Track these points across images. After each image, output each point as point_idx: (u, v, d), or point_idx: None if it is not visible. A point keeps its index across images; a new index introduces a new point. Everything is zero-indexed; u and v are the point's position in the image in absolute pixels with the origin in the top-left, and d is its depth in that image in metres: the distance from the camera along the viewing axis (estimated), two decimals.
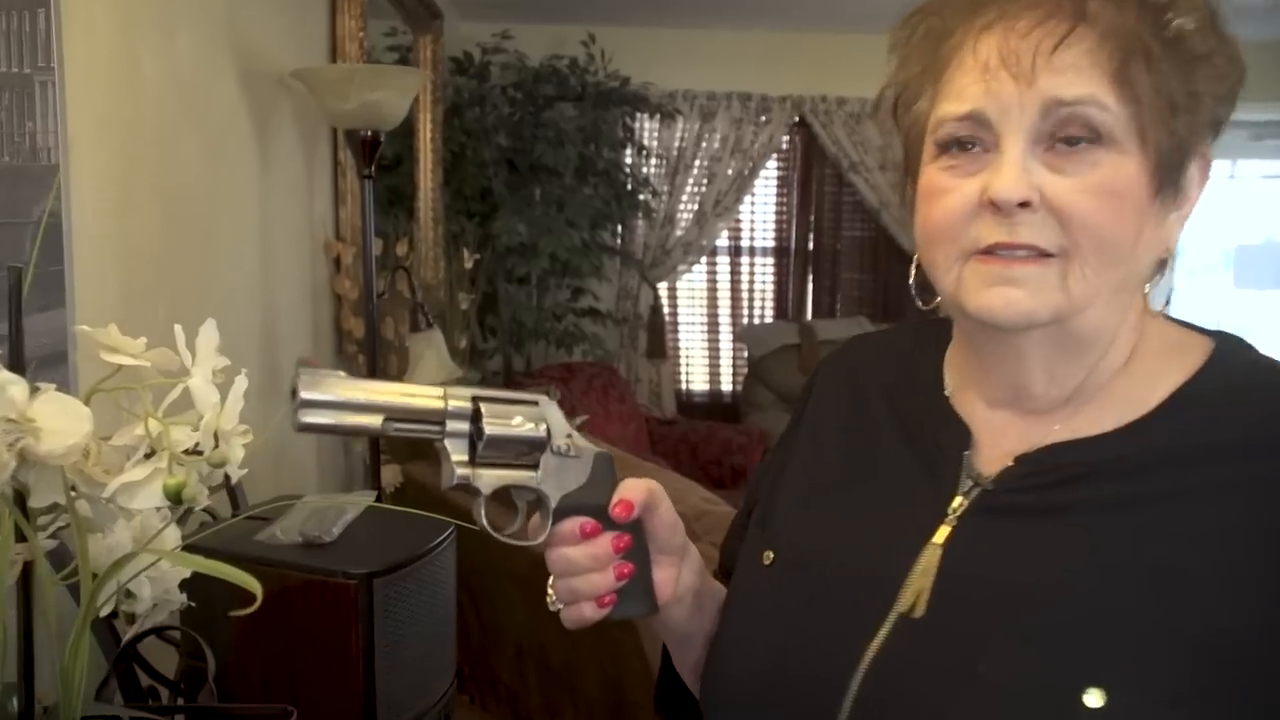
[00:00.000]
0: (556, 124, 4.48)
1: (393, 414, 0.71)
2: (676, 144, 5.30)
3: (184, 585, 1.47)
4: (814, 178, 5.53)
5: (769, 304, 5.62)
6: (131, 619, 1.19)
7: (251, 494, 1.70)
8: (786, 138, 5.46)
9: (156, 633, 1.24)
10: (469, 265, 3.67)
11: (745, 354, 5.46)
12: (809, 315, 5.61)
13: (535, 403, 0.78)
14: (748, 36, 5.19)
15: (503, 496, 0.77)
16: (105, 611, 1.01)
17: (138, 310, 1.64)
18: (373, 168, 2.41)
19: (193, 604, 1.38)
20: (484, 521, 0.76)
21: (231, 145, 2.16)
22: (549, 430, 0.77)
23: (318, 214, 2.72)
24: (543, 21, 4.79)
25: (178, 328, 0.85)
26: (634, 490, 0.76)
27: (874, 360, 0.86)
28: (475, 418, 0.74)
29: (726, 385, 5.62)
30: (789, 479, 0.85)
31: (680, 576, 0.80)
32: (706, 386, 5.63)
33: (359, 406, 0.69)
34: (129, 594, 1.13)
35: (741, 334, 5.48)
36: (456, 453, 0.74)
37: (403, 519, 1.59)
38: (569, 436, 0.78)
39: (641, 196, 4.99)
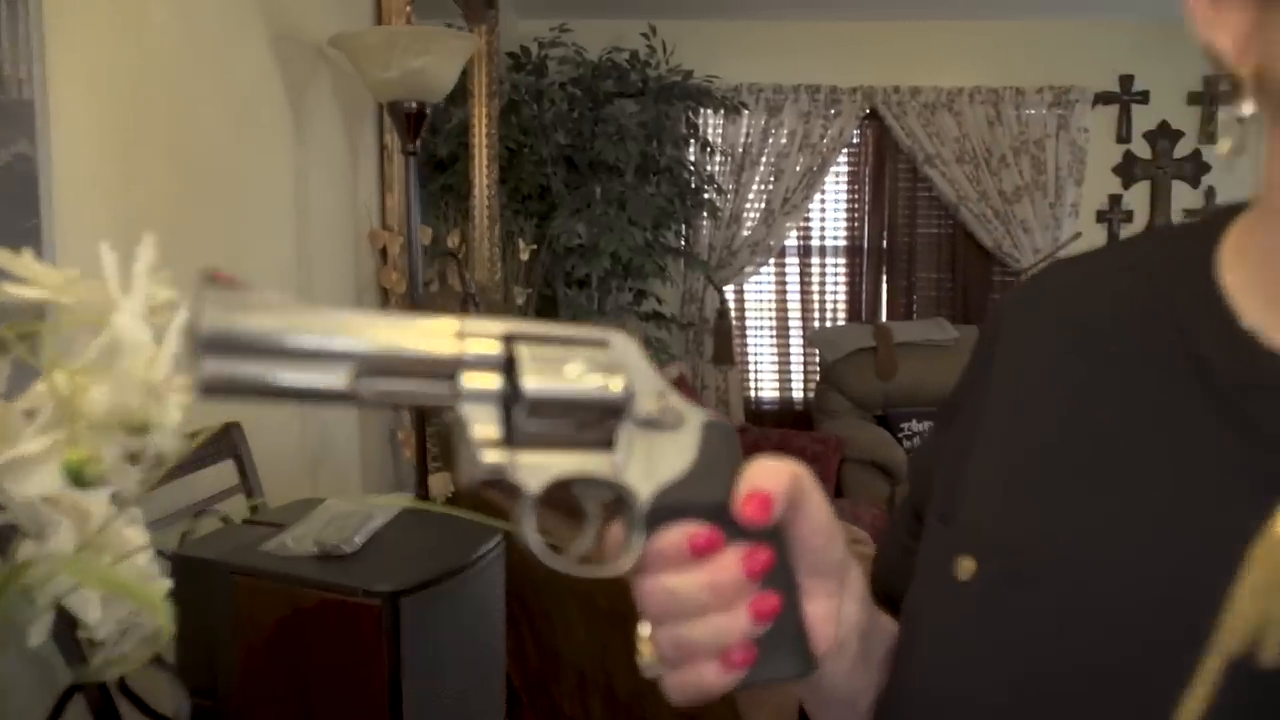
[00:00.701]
0: (617, 120, 4.28)
1: (368, 363, 0.44)
2: (742, 140, 5.06)
3: (183, 604, 1.25)
4: (887, 172, 5.24)
5: (841, 306, 5.34)
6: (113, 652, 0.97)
7: (284, 503, 1.49)
8: (857, 131, 5.18)
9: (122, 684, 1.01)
10: (525, 257, 3.46)
11: (816, 359, 5.18)
12: (883, 317, 5.31)
13: (605, 343, 0.51)
14: (815, 26, 4.96)
15: (560, 495, 0.50)
16: (35, 640, 0.79)
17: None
18: (417, 143, 2.20)
19: (181, 629, 1.16)
20: (533, 536, 0.48)
21: (263, 117, 1.97)
22: (629, 386, 0.50)
23: (361, 200, 2.53)
24: (601, 16, 4.61)
25: (103, 247, 0.63)
26: (772, 477, 0.50)
27: (1099, 288, 0.60)
28: (509, 367, 0.48)
29: (798, 392, 5.35)
30: (981, 458, 0.59)
31: (843, 611, 0.53)
32: (776, 393, 5.36)
33: (308, 353, 0.43)
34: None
35: (813, 338, 5.21)
36: (481, 426, 0.47)
37: (441, 526, 1.36)
38: (662, 395, 0.51)
39: (706, 195, 4.76)
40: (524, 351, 0.48)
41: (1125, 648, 0.47)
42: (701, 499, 0.51)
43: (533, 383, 0.47)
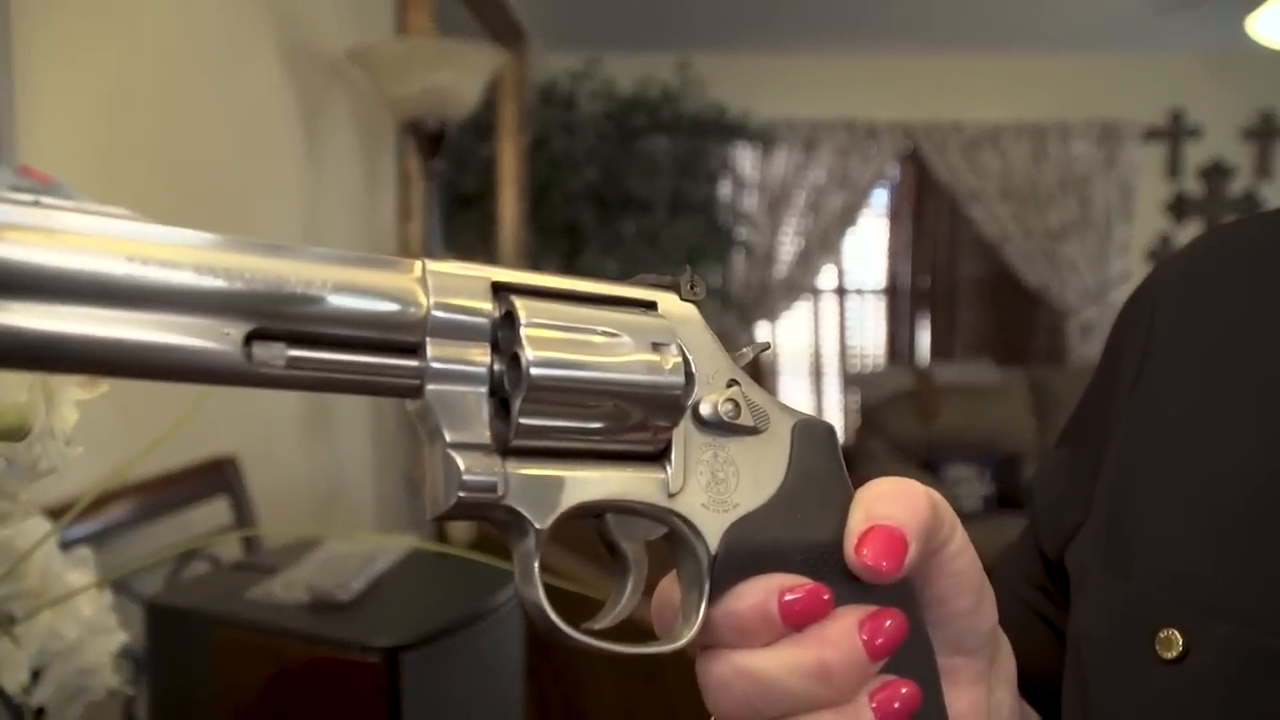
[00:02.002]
0: (649, 155, 4.18)
1: (270, 311, 0.28)
2: (777, 175, 4.94)
3: (158, 660, 1.10)
4: (927, 209, 5.09)
5: (880, 348, 5.16)
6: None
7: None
8: (896, 167, 5.04)
9: None
10: None
11: (854, 402, 5.00)
12: (921, 359, 5.13)
13: (651, 305, 0.36)
14: (853, 60, 4.85)
15: (581, 534, 0.35)
16: None
17: None
18: (438, 164, 2.08)
19: (155, 689, 1.01)
20: (535, 595, 0.32)
21: (272, 134, 1.85)
22: (689, 367, 0.35)
23: (380, 228, 2.40)
24: (633, 49, 4.53)
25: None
26: (903, 504, 0.34)
27: None
28: (502, 334, 0.32)
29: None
30: (1157, 487, 0.43)
31: (993, 701, 0.38)
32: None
33: (172, 293, 0.27)
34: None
35: (853, 380, 5.03)
36: (458, 422, 0.31)
37: (453, 570, 1.20)
38: (734, 384, 0.36)
39: (740, 231, 4.63)
40: (525, 309, 0.32)
41: None
42: (797, 537, 0.35)
43: (539, 356, 0.32)
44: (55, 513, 0.78)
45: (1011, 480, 4.35)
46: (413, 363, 0.31)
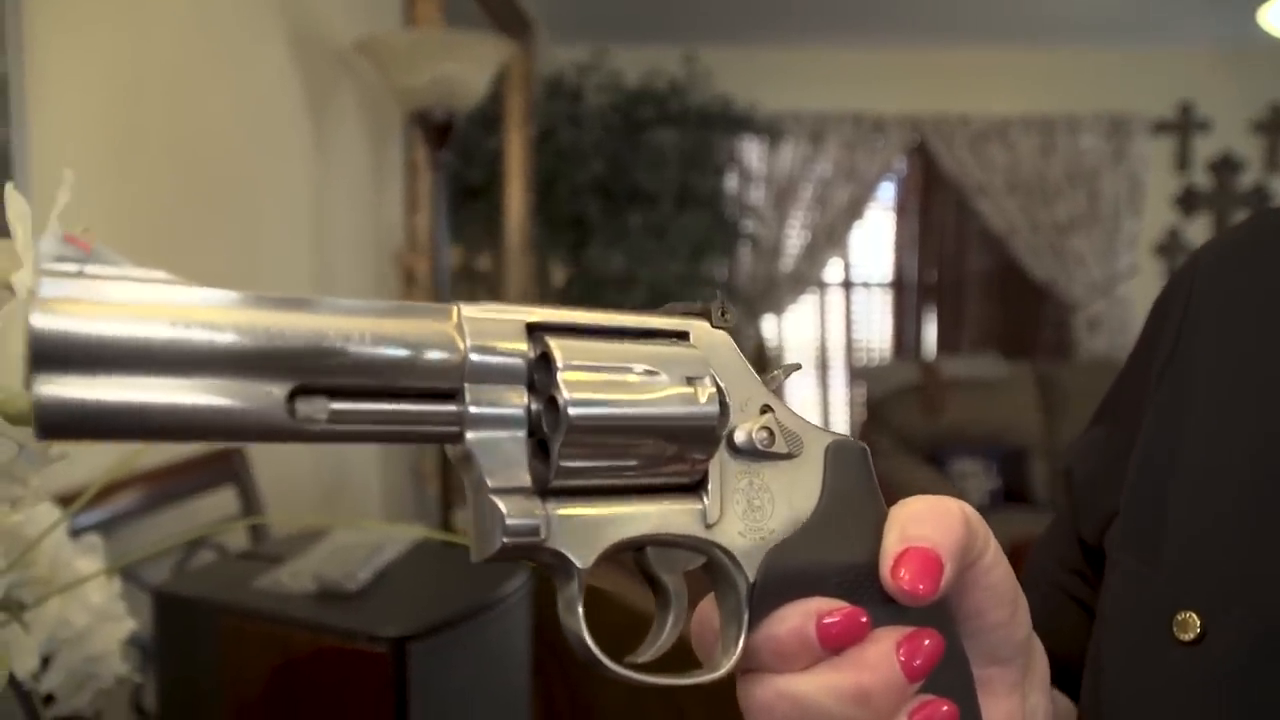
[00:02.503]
0: (656, 147, 4.17)
1: (311, 367, 0.29)
2: (784, 169, 4.92)
3: (166, 649, 1.10)
4: (934, 203, 5.07)
5: (886, 341, 5.15)
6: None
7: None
8: (903, 160, 5.02)
9: None
10: (560, 284, 3.34)
11: (860, 396, 4.99)
12: (927, 353, 5.12)
13: (684, 335, 0.36)
14: (860, 53, 4.83)
15: (622, 563, 0.36)
16: None
17: None
18: (446, 154, 2.08)
19: (163, 677, 1.01)
20: (579, 631, 0.33)
21: (280, 123, 1.85)
22: (723, 397, 0.35)
23: (386, 221, 2.40)
24: (639, 42, 4.51)
25: (8, 188, 0.48)
26: (938, 523, 0.35)
27: None
28: (541, 371, 0.33)
29: (841, 429, 5.15)
30: (1185, 468, 0.43)
31: (1027, 706, 0.38)
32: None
33: (216, 356, 0.28)
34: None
35: (859, 373, 5.02)
36: (499, 467, 0.32)
37: (460, 561, 1.20)
38: (767, 410, 0.36)
39: (746, 224, 4.62)
40: (560, 351, 0.32)
41: None
42: (833, 560, 0.35)
43: (576, 398, 0.32)
44: (64, 500, 0.78)
45: (1018, 474, 4.34)
46: (452, 408, 0.31)
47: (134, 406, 0.27)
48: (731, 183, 4.77)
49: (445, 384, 0.31)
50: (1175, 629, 0.40)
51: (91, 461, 0.75)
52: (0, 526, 0.71)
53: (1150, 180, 4.89)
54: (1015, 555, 0.48)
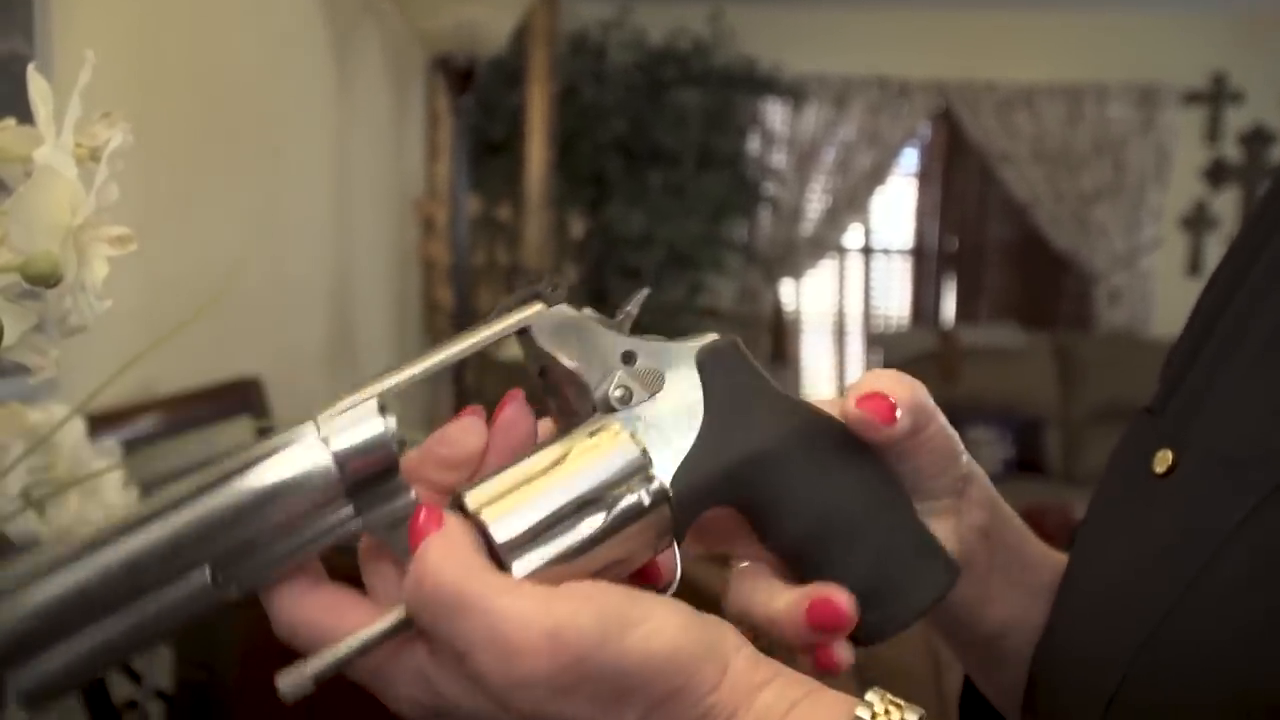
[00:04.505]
0: (679, 106, 4.14)
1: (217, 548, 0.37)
2: (806, 132, 4.89)
3: None
4: (957, 171, 5.03)
5: (904, 308, 5.12)
6: None
7: None
8: (928, 126, 4.97)
9: None
10: (578, 236, 3.34)
11: (877, 362, 4.98)
12: (946, 321, 5.10)
13: (524, 331, 0.40)
14: (886, 15, 4.77)
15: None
16: None
17: (154, 227, 1.30)
18: (468, 101, 2.07)
19: None
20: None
21: (303, 61, 1.85)
22: (615, 397, 0.40)
23: (406, 167, 2.40)
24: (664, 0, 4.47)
25: (30, 69, 0.49)
26: (894, 383, 0.42)
27: None
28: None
29: None
30: (1216, 340, 0.45)
31: (962, 522, 0.46)
32: (833, 396, 5.17)
33: (149, 576, 0.36)
34: None
35: (876, 340, 5.01)
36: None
37: None
38: (628, 359, 0.39)
39: (767, 186, 4.60)
40: (473, 499, 0.37)
41: None
42: (740, 454, 0.39)
43: (503, 533, 0.36)
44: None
45: (1032, 444, 4.33)
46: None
47: (105, 649, 0.35)
48: (753, 144, 4.74)
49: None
50: (1155, 464, 0.44)
51: (114, 389, 0.76)
52: (20, 426, 0.72)
53: (1178, 151, 4.83)
54: (1027, 522, 0.51)
